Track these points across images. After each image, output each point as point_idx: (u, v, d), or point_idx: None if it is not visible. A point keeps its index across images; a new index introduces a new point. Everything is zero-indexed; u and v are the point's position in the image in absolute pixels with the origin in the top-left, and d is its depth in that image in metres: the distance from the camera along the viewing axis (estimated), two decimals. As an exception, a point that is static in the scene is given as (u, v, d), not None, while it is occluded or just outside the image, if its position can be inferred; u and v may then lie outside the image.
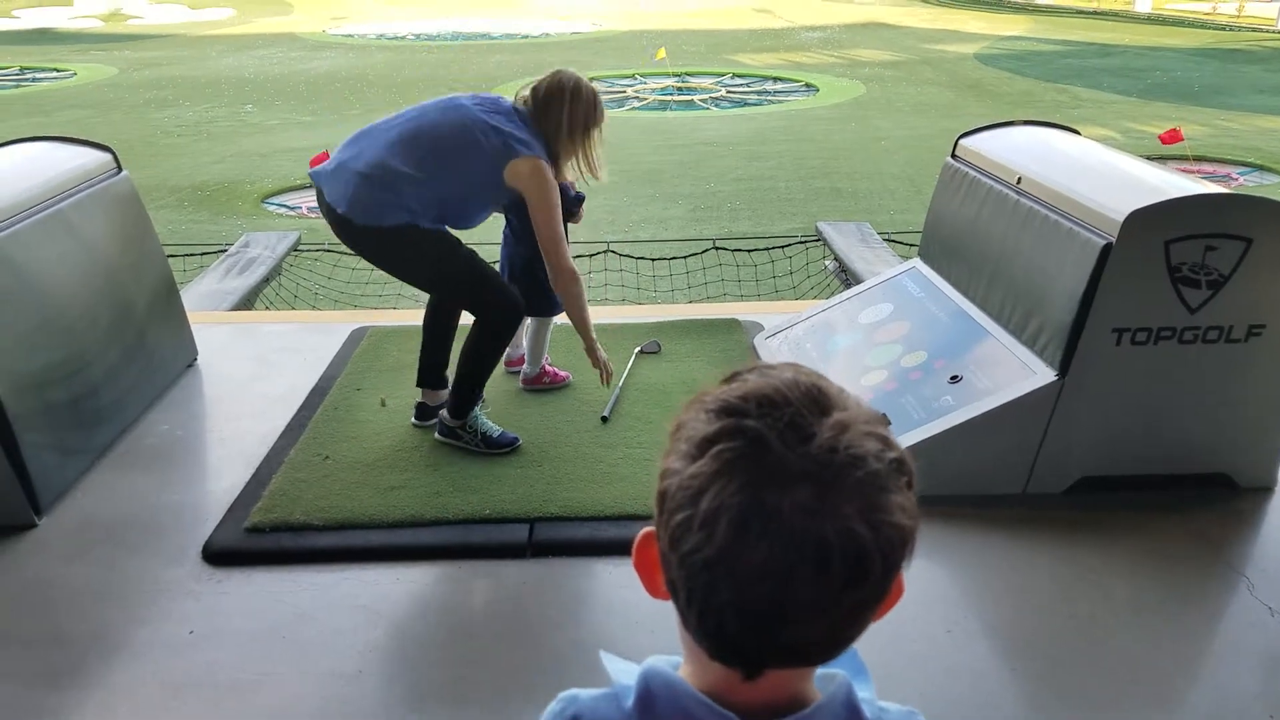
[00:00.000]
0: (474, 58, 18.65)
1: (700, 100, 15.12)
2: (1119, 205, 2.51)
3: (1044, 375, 2.62)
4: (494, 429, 2.99)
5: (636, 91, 15.73)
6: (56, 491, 2.75)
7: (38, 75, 17.35)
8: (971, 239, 3.15)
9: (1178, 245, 2.50)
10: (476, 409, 2.99)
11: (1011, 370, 2.70)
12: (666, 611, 2.38)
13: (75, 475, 2.85)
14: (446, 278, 2.91)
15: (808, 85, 16.07)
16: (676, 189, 9.70)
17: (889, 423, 0.67)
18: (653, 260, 6.27)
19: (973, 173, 3.24)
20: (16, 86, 16.41)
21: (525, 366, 3.41)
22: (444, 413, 3.00)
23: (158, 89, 15.64)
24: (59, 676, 2.13)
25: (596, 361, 3.05)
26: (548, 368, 3.41)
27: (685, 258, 6.26)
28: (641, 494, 2.72)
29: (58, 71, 17.63)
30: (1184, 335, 2.58)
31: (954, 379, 2.78)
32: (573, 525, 2.62)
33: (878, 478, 0.62)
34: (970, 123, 3.45)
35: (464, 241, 2.89)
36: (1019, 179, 2.96)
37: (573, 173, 2.96)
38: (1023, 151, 3.16)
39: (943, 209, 3.41)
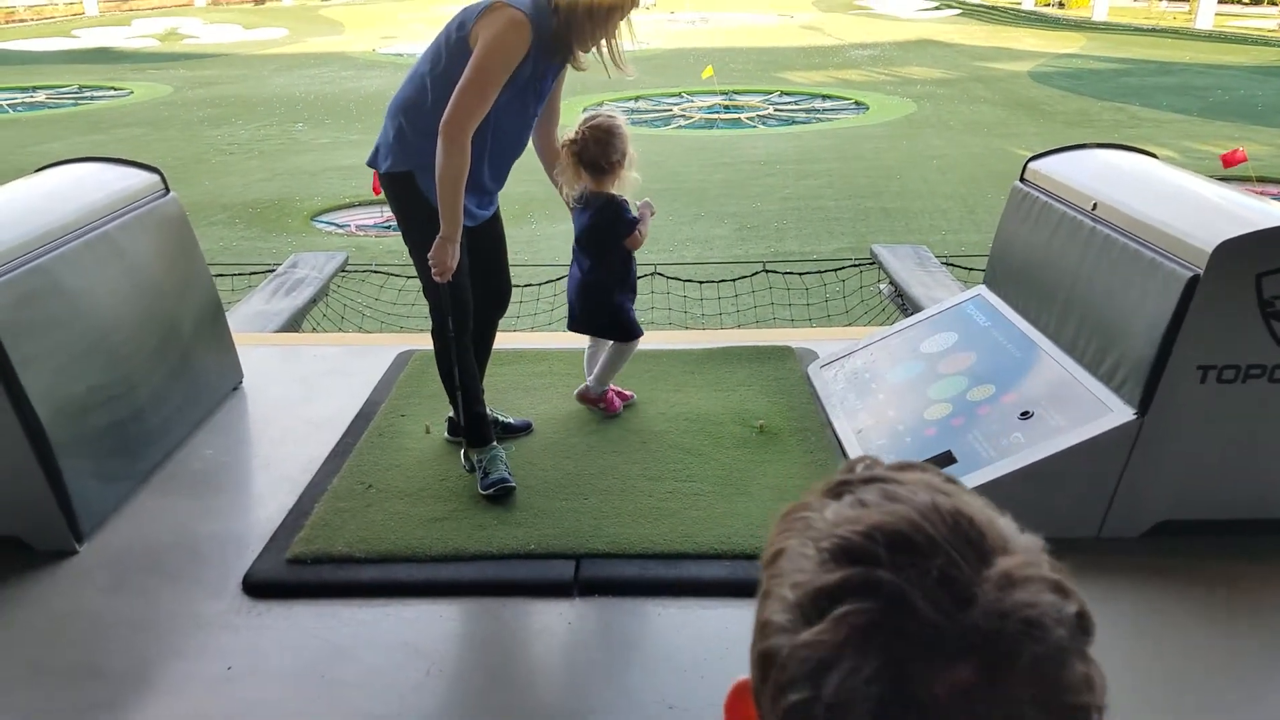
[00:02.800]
0: (521, 76, 18.67)
1: (747, 118, 15.02)
2: (1206, 234, 2.36)
3: (1122, 413, 2.47)
4: (495, 471, 2.81)
5: (683, 110, 15.68)
6: (98, 518, 2.71)
7: (95, 94, 17.77)
8: (1042, 267, 3.01)
9: (1271, 278, 2.34)
10: (496, 447, 2.89)
11: (1086, 407, 2.55)
12: (719, 658, 2.24)
13: (117, 501, 2.81)
14: (419, 246, 2.70)
15: (857, 103, 15.89)
16: (722, 208, 9.60)
17: (1049, 550, 0.53)
18: (700, 283, 6.16)
19: (1043, 198, 3.10)
20: (75, 104, 16.82)
21: (590, 381, 3.27)
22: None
23: (212, 107, 15.94)
24: (95, 711, 2.08)
25: (440, 258, 2.60)
26: (612, 394, 3.28)
27: (734, 280, 6.15)
28: (691, 531, 2.61)
29: (115, 90, 18.05)
30: (1275, 374, 2.42)
31: (1024, 415, 2.63)
32: (620, 563, 2.52)
33: (1060, 648, 0.47)
34: (1025, 142, 3.32)
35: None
36: (1094, 204, 2.82)
37: (594, 63, 2.73)
38: (1097, 176, 3.01)
39: (1011, 235, 3.26)
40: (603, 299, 3.18)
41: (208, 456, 3.13)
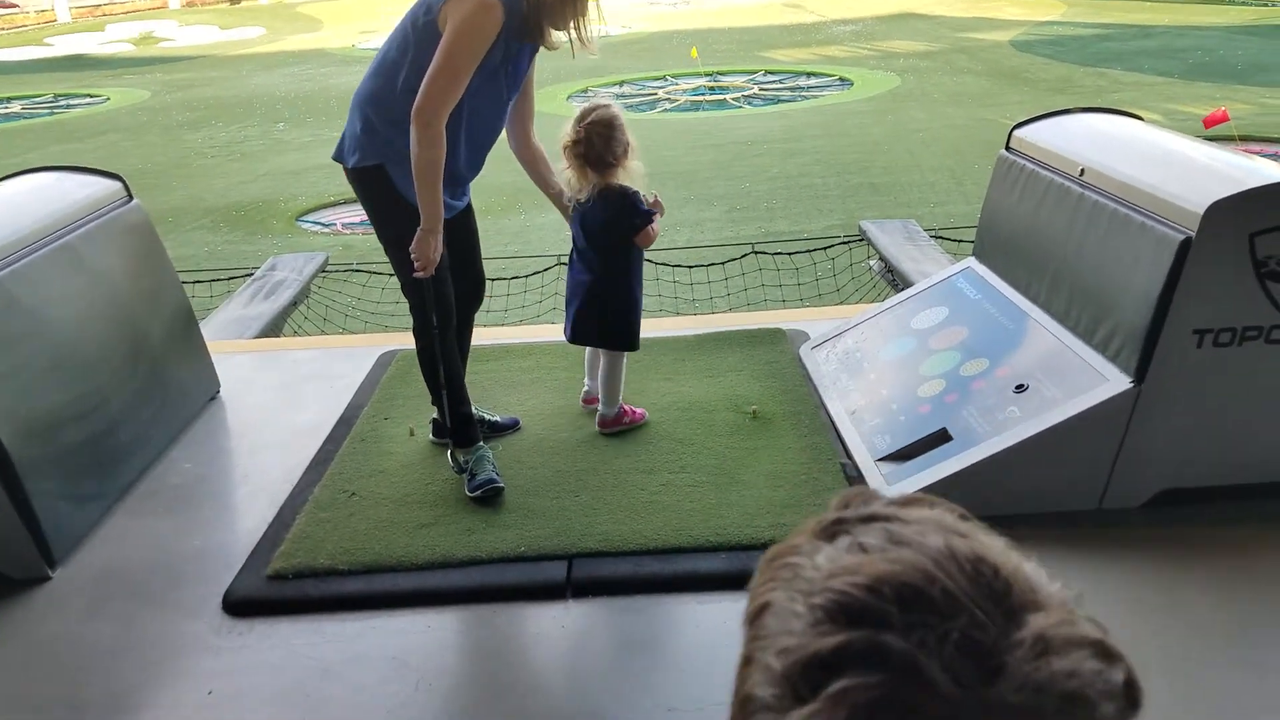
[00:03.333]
0: (501, 66, 18.49)
1: (733, 99, 14.90)
2: (1197, 196, 2.29)
3: (1118, 382, 2.40)
4: (482, 472, 2.73)
5: (668, 93, 15.56)
6: (71, 541, 2.63)
7: (71, 102, 17.58)
8: (1031, 236, 2.93)
9: (1264, 238, 2.27)
10: (483, 447, 2.82)
11: (1082, 378, 2.48)
12: (719, 654, 2.14)
13: (91, 522, 2.73)
14: (395, 243, 2.62)
15: (841, 79, 15.78)
16: (711, 190, 9.51)
17: (1080, 607, 0.44)
18: (690, 268, 6.08)
19: (1030, 165, 3.01)
20: (51, 114, 16.63)
21: (601, 407, 3.04)
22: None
23: (190, 110, 15.78)
24: (72, 745, 2.01)
25: (422, 251, 2.52)
26: (626, 407, 3.06)
27: (724, 263, 6.07)
28: (685, 525, 2.54)
29: (91, 97, 17.86)
30: (1271, 334, 2.36)
31: (1019, 388, 2.56)
32: (613, 561, 2.45)
33: None
34: (1009, 112, 3.24)
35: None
36: (1082, 170, 2.74)
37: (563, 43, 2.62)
38: (1084, 141, 2.93)
39: (998, 205, 3.18)
40: (620, 305, 2.95)
41: (186, 470, 3.04)
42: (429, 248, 2.52)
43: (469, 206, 2.89)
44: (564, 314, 3.08)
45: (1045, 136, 3.06)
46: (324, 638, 2.28)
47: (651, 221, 2.90)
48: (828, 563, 0.43)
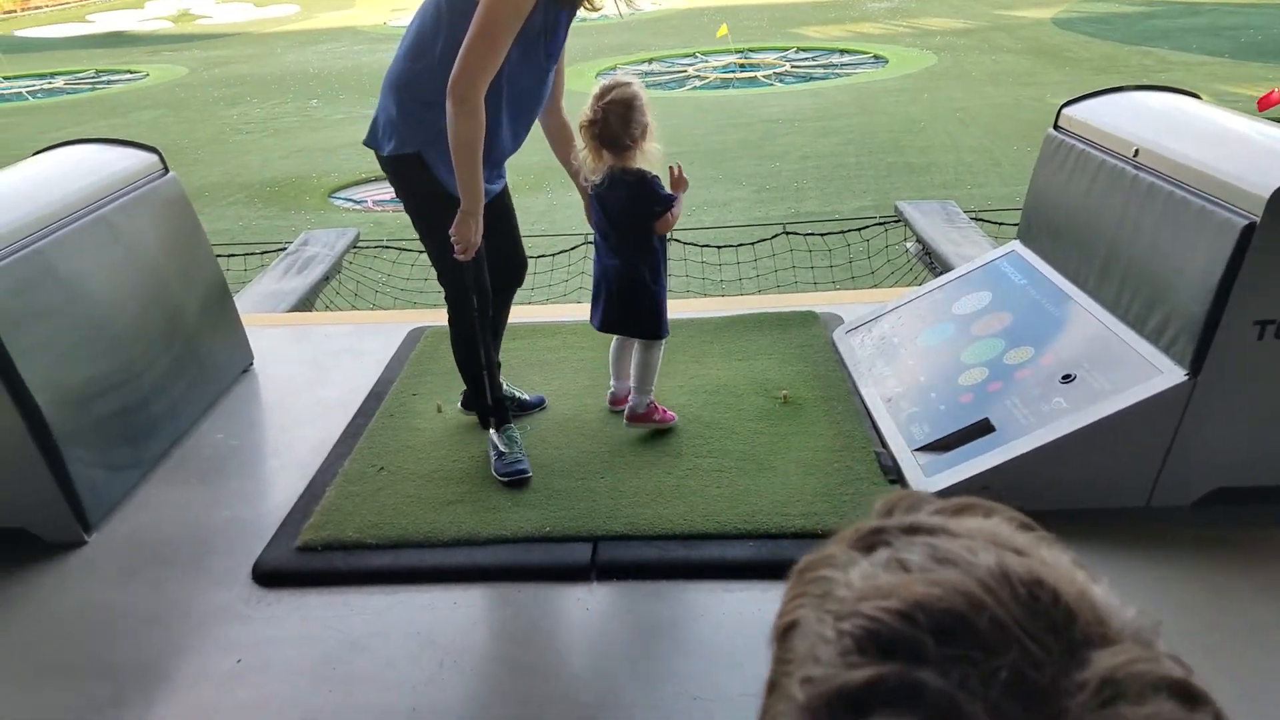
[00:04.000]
0: (534, 43, 18.37)
1: (763, 76, 14.71)
2: (1261, 179, 2.19)
3: (1172, 375, 2.31)
4: (511, 454, 2.72)
5: (698, 70, 15.40)
6: (106, 507, 2.65)
7: (112, 78, 17.74)
8: (1081, 219, 2.83)
9: (1332, 223, 2.17)
10: (513, 428, 2.80)
11: (1133, 369, 2.40)
12: (745, 644, 2.09)
13: (125, 490, 2.74)
14: (434, 230, 2.53)
15: (876, 57, 15.53)
16: (740, 169, 9.40)
17: (1158, 633, 0.38)
18: (718, 248, 6.01)
19: (1080, 145, 2.91)
20: (93, 89, 16.80)
21: (632, 397, 2.91)
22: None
23: (227, 87, 15.85)
24: (102, 711, 2.02)
25: (463, 234, 2.44)
26: (658, 405, 2.92)
27: (754, 244, 5.98)
28: (712, 510, 2.50)
29: (130, 73, 18.01)
30: (1337, 326, 2.25)
31: (1066, 379, 2.48)
32: (639, 545, 2.41)
33: None
34: (1050, 91, 3.13)
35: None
36: (1136, 151, 2.64)
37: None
38: (1138, 120, 2.83)
39: (1046, 186, 3.09)
40: (645, 291, 2.82)
41: (218, 441, 3.05)
42: (469, 230, 2.43)
43: (505, 188, 2.82)
44: (590, 300, 2.94)
45: (1097, 115, 2.95)
46: (351, 610, 2.27)
47: (671, 207, 2.76)
48: (861, 580, 0.39)
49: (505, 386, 2.95)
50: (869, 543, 0.41)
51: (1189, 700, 0.35)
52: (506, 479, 2.67)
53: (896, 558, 0.39)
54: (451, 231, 2.44)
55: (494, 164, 2.59)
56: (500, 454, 2.72)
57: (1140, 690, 0.34)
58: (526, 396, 3.10)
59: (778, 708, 0.38)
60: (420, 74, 2.44)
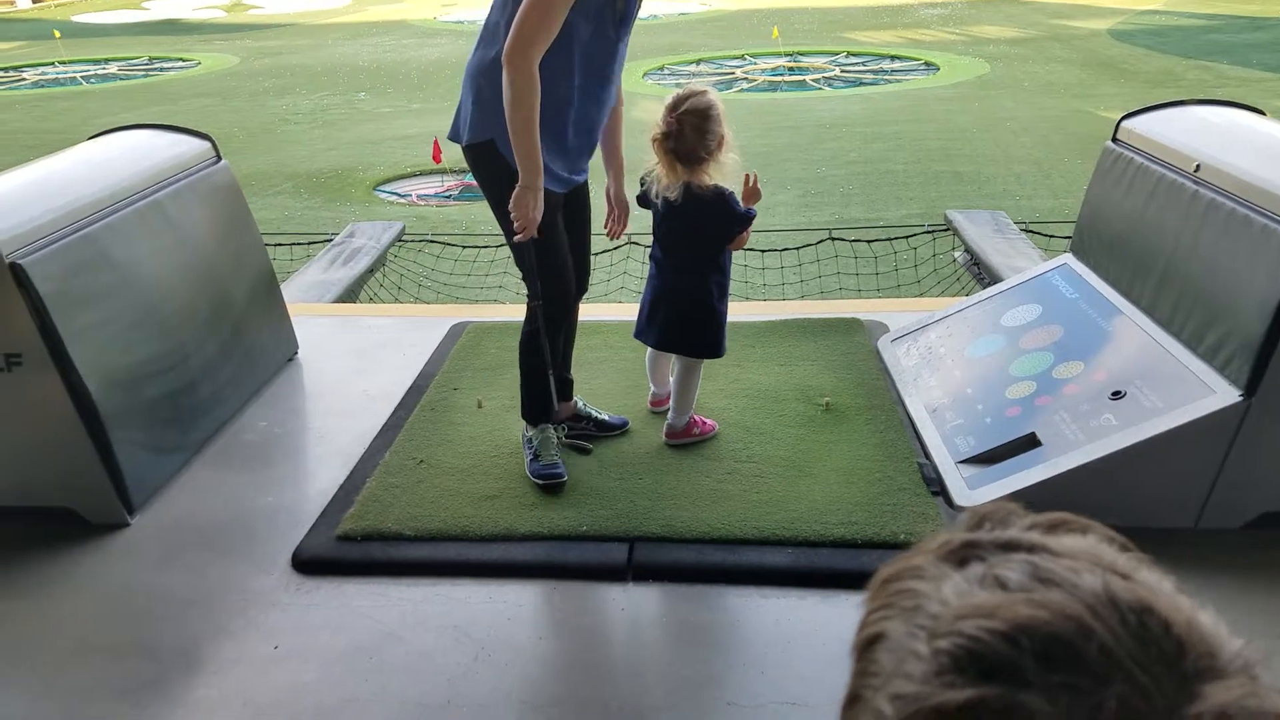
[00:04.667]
0: (582, 41, 18.41)
1: (812, 80, 14.62)
2: (1328, 198, 2.13)
3: (1226, 395, 2.26)
4: (547, 455, 2.66)
5: (746, 72, 15.34)
6: (150, 490, 2.69)
7: (165, 65, 18.08)
8: (1137, 234, 2.78)
9: (1400, 245, 2.10)
10: (551, 429, 2.71)
11: (1186, 387, 2.34)
12: (781, 652, 2.06)
13: (170, 473, 2.79)
14: (501, 210, 2.46)
15: (927, 64, 15.37)
16: (785, 173, 9.35)
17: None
18: (762, 252, 5.97)
19: (1139, 159, 2.86)
20: (146, 76, 17.14)
21: (671, 417, 2.84)
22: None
23: (276, 77, 16.08)
24: (141, 691, 2.05)
25: (521, 210, 2.35)
26: (696, 418, 2.86)
27: (798, 249, 5.94)
28: (750, 516, 2.48)
29: (183, 61, 18.34)
30: (1401, 351, 2.19)
31: (1116, 395, 2.44)
32: (676, 548, 2.40)
33: None
34: (1104, 103, 3.05)
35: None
36: (1197, 166, 2.58)
37: None
38: (1200, 135, 2.77)
39: (1102, 199, 3.03)
40: (710, 311, 2.70)
41: (262, 428, 3.09)
42: (528, 205, 2.33)
43: (585, 189, 2.66)
44: (641, 315, 2.83)
45: (1157, 129, 2.89)
46: (389, 601, 2.29)
47: (749, 225, 2.65)
48: (956, 596, 0.37)
49: (581, 404, 2.93)
50: (961, 556, 0.39)
51: None
52: (542, 482, 2.63)
53: (994, 574, 0.37)
54: (510, 206, 2.35)
55: (575, 149, 2.48)
56: (535, 454, 2.68)
57: (1250, 714, 0.32)
58: (607, 417, 2.96)
59: (866, 716, 0.37)
60: (492, 60, 2.38)
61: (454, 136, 2.55)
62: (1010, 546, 0.39)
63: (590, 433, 2.88)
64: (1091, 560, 0.37)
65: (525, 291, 2.61)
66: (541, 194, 2.36)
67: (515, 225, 2.38)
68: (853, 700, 0.38)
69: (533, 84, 2.24)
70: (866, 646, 0.39)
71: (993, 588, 0.37)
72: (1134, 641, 0.34)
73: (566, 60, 2.33)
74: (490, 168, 2.47)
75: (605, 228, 2.82)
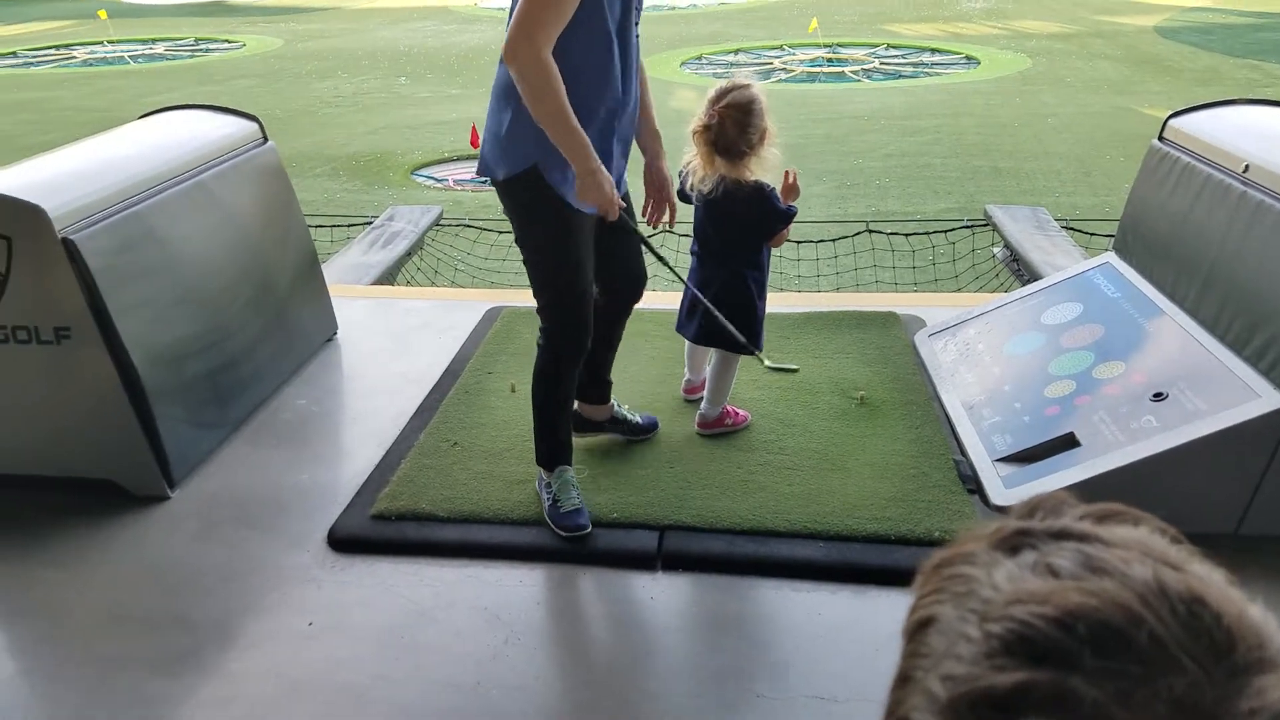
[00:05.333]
0: (620, 29, 18.38)
1: (851, 72, 14.49)
2: (1384, 201, 2.08)
3: (1272, 399, 2.22)
4: (568, 501, 2.43)
5: (784, 63, 15.22)
6: (190, 464, 2.74)
7: (210, 46, 18.28)
8: (1182, 235, 2.73)
9: None
10: (569, 470, 2.49)
11: (1229, 390, 2.31)
12: (810, 645, 2.06)
13: (209, 449, 2.83)
14: (528, 241, 2.30)
15: (968, 58, 15.16)
16: (821, 165, 9.28)
17: None
18: (797, 243, 5.94)
19: (1186, 158, 2.81)
20: (191, 56, 17.35)
21: (704, 406, 2.83)
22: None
23: (319, 60, 16.20)
24: (178, 662, 2.09)
25: (594, 197, 2.14)
26: (729, 409, 2.85)
27: (833, 241, 5.91)
28: (782, 508, 2.48)
29: (228, 43, 18.53)
30: None
31: (1158, 397, 2.40)
32: (706, 537, 2.41)
33: None
34: (1148, 101, 3.00)
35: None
36: (1246, 166, 2.53)
37: None
38: (1249, 134, 2.71)
39: (1147, 198, 2.98)
40: (748, 306, 2.66)
41: (300, 407, 3.13)
42: (599, 188, 2.12)
43: (627, 196, 2.45)
44: (680, 308, 2.81)
45: (1205, 128, 2.84)
46: (421, 580, 2.32)
47: (788, 222, 2.60)
48: (1009, 583, 0.37)
49: (615, 406, 2.78)
50: (1013, 544, 0.39)
51: None
52: (565, 534, 2.41)
53: (1045, 562, 0.38)
54: (580, 196, 2.15)
55: (616, 130, 2.25)
56: (554, 499, 2.45)
57: None
58: (638, 419, 2.82)
59: (912, 701, 0.37)
60: (504, 101, 2.19)
61: (484, 173, 2.28)
62: (1062, 535, 0.39)
63: (622, 436, 2.80)
64: (1143, 551, 0.37)
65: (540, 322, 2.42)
66: (603, 171, 2.13)
67: (599, 211, 2.20)
68: (903, 680, 0.39)
69: (548, 71, 2.00)
70: (918, 629, 0.39)
71: (1044, 575, 0.37)
72: (1184, 632, 0.34)
73: (605, 59, 2.14)
74: (534, 197, 2.20)
75: (644, 215, 2.58)
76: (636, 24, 2.27)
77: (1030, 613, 0.35)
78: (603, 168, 2.13)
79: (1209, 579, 0.37)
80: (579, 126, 2.07)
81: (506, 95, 2.18)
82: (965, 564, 0.40)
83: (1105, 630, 0.34)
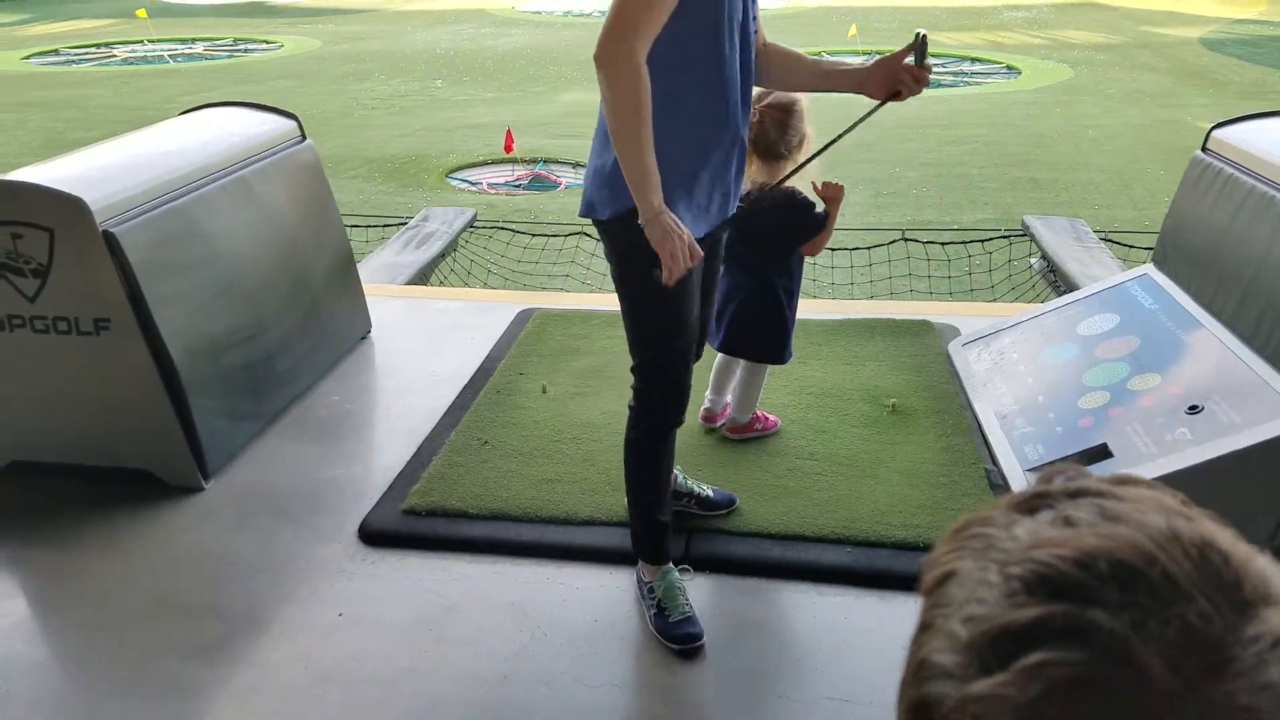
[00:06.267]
0: (656, 35, 18.40)
1: (888, 82, 14.40)
2: None
3: (1310, 414, 2.18)
4: (677, 610, 2.13)
5: (821, 71, 15.17)
6: (225, 457, 2.78)
7: (249, 46, 18.56)
8: (1224, 247, 2.69)
9: None
10: (674, 572, 2.21)
11: (1266, 404, 2.27)
12: (835, 649, 2.05)
13: (244, 441, 2.88)
14: (625, 290, 2.00)
15: (1009, 67, 15.04)
16: (857, 172, 9.24)
17: None
18: (831, 250, 5.91)
19: (1230, 169, 2.77)
20: (230, 57, 17.61)
21: (733, 412, 2.83)
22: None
23: (356, 62, 16.39)
24: (209, 650, 2.13)
25: (663, 245, 1.79)
26: (759, 413, 2.85)
27: (868, 249, 5.88)
28: (810, 514, 2.47)
29: (267, 43, 18.79)
30: None
31: (1193, 409, 2.37)
32: (734, 541, 2.41)
33: None
34: (1192, 114, 2.96)
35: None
36: (1291, 178, 2.50)
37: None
38: (1295, 146, 2.67)
39: (1189, 210, 2.94)
40: (777, 315, 2.62)
41: (333, 403, 3.17)
42: (666, 236, 1.77)
43: (719, 241, 2.17)
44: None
45: (1249, 139, 2.80)
46: (450, 575, 2.34)
47: (820, 230, 2.55)
48: (1028, 535, 0.40)
49: (681, 479, 2.47)
50: (1031, 505, 0.41)
51: None
52: (677, 647, 2.09)
53: (1063, 515, 0.40)
54: (652, 239, 1.79)
55: (722, 143, 1.93)
56: (660, 608, 2.15)
57: None
58: (711, 493, 2.51)
59: (933, 644, 0.39)
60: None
61: (587, 213, 1.98)
62: (1079, 494, 0.41)
63: (691, 511, 2.47)
64: (1156, 504, 0.39)
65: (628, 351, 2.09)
66: (671, 216, 1.80)
67: (664, 274, 1.82)
68: (924, 628, 0.40)
69: (639, 77, 1.73)
70: (937, 584, 0.41)
71: (1062, 526, 0.39)
72: (1195, 570, 0.36)
73: (716, 72, 1.85)
74: (637, 241, 1.83)
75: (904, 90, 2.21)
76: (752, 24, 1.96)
77: (1050, 554, 0.37)
78: (667, 214, 1.79)
79: (1220, 530, 0.39)
80: (651, 149, 1.77)
81: (598, 153, 1.95)
82: (984, 525, 0.42)
83: (1121, 568, 0.36)
